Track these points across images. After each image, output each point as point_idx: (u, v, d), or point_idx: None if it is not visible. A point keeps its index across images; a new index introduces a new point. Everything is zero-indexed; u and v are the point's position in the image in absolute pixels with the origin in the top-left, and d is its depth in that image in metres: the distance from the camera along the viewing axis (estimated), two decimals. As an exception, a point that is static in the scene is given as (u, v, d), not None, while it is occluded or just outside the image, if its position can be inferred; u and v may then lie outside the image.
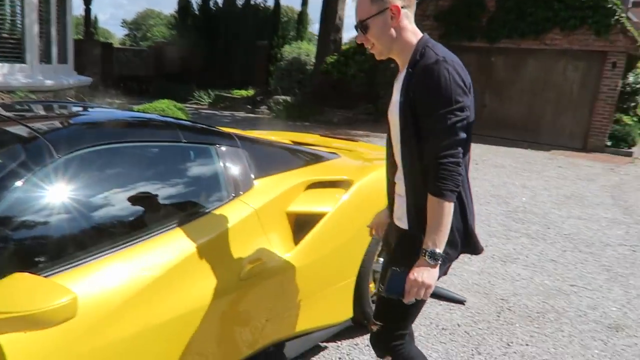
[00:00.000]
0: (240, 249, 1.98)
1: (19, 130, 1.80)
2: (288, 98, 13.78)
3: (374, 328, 1.73)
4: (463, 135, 1.45)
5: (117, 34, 45.93)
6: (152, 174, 1.91)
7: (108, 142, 1.78)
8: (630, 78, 10.60)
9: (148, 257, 1.68)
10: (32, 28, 7.05)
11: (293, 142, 3.52)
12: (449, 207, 1.45)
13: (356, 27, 1.60)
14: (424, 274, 1.46)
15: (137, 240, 1.70)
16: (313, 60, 14.54)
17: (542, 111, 11.39)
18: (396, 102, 1.57)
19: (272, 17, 17.36)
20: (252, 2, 18.07)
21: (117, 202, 1.77)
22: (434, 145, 1.45)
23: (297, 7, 19.01)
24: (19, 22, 7.11)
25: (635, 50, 10.33)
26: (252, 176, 2.19)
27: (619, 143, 10.55)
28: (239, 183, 2.12)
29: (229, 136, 2.25)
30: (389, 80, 12.65)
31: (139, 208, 1.83)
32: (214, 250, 1.88)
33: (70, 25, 8.73)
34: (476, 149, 9.13)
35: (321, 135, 4.01)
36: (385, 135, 1.77)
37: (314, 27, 20.68)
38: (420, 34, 1.58)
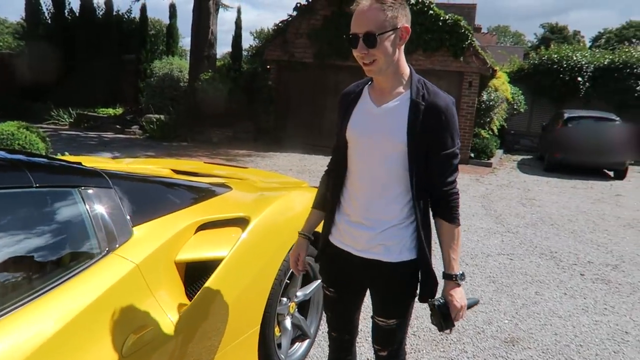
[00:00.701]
0: (121, 316, 1.58)
1: None
2: (162, 117, 12.92)
3: (385, 353, 1.79)
4: None
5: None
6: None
7: None
8: (484, 96, 11.74)
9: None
10: None
11: (174, 170, 3.14)
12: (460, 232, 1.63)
13: (355, 38, 1.50)
14: (462, 296, 1.60)
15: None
16: (186, 76, 13.88)
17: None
18: (388, 128, 1.56)
19: (138, 30, 16.28)
20: (114, 12, 16.76)
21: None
22: (444, 178, 1.58)
23: (165, 20, 18.09)
24: None
25: (487, 71, 11.48)
26: (130, 223, 1.80)
27: (480, 155, 11.62)
28: (113, 233, 1.72)
29: (96, 174, 1.83)
30: (266, 98, 12.45)
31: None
32: (87, 324, 1.46)
33: None
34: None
35: (205, 162, 3.65)
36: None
37: (185, 42, 19.91)
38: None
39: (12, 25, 20.88)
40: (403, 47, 1.56)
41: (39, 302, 1.39)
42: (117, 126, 13.39)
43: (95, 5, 16.49)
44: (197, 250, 2.00)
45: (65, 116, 13.90)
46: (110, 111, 14.40)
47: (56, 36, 15.57)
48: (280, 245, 2.39)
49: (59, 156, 6.73)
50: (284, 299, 2.54)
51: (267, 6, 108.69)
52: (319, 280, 2.71)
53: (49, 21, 16.37)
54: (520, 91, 14.13)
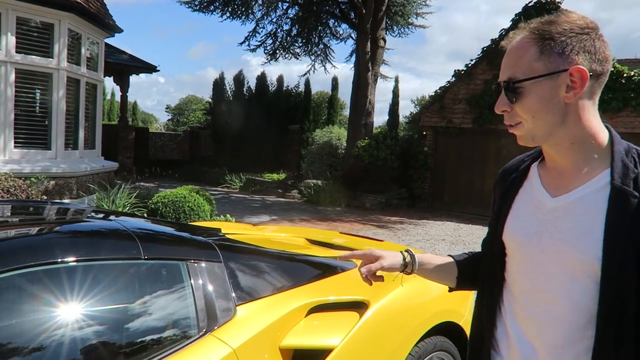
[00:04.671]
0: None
1: None
2: (319, 182, 13.51)
3: None
4: None
5: (162, 119, 48.27)
6: (93, 305, 1.42)
7: (30, 265, 1.33)
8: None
9: None
10: (59, 115, 7.10)
11: (309, 240, 3.05)
12: None
13: (497, 88, 1.09)
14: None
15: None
16: (344, 144, 14.44)
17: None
18: (572, 233, 1.00)
19: (303, 102, 17.66)
20: (284, 88, 18.52)
21: (39, 349, 1.29)
22: None
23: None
24: (46, 108, 7.19)
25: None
26: (234, 301, 1.69)
27: None
28: (214, 312, 1.61)
29: (207, 247, 1.78)
30: (422, 164, 12.22)
31: (72, 353, 1.34)
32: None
33: (99, 112, 8.86)
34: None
35: (342, 233, 3.51)
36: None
37: (347, 111, 21.02)
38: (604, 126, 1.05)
39: (205, 103, 24.51)
40: (588, 101, 1.00)
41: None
42: (279, 190, 14.34)
43: (268, 82, 18.45)
44: (306, 336, 1.80)
45: (237, 181, 15.39)
46: (275, 176, 15.55)
47: (235, 111, 17.70)
48: (405, 338, 2.07)
49: (221, 218, 7.29)
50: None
51: (430, 75, 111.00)
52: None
53: (231, 98, 18.74)
54: None
